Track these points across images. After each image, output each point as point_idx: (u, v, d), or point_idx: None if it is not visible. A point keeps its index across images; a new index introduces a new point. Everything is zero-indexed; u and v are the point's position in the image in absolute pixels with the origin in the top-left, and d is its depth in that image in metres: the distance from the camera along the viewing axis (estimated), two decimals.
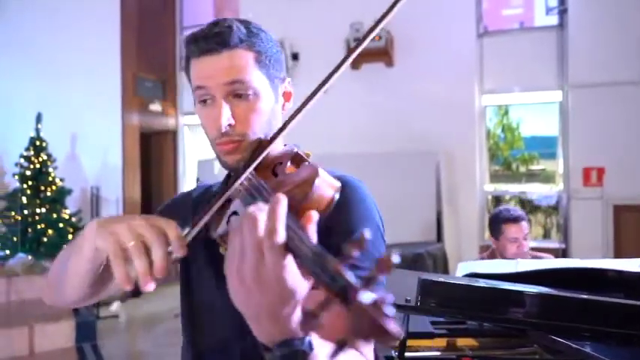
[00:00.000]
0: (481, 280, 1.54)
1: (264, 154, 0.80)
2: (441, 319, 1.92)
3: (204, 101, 0.87)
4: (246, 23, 0.88)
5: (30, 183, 5.49)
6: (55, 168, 5.70)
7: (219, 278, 0.85)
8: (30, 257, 5.42)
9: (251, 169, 0.78)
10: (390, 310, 0.44)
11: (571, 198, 5.34)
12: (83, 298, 0.87)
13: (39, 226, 5.40)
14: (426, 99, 5.69)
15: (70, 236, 5.55)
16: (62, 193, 5.66)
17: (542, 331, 1.49)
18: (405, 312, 1.43)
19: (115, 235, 0.67)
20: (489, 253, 2.77)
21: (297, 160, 0.84)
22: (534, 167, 7.16)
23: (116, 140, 6.67)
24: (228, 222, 0.77)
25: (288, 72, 6.23)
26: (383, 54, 5.79)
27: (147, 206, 7.30)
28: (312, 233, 0.58)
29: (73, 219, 5.70)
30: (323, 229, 0.62)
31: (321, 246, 0.54)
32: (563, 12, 5.42)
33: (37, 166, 5.55)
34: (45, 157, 5.62)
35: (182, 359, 1.08)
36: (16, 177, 5.56)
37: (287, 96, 0.96)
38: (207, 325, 1.00)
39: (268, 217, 0.57)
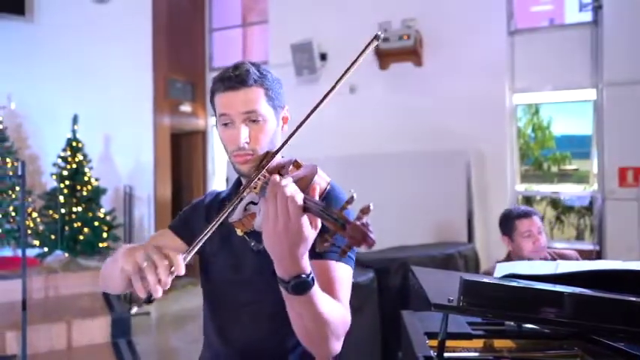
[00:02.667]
0: (522, 281, 1.53)
1: (273, 159, 1.12)
2: (479, 320, 1.92)
3: (226, 124, 1.19)
4: (257, 66, 1.20)
5: (67, 182, 5.64)
6: (90, 168, 5.85)
7: (234, 256, 1.24)
8: (67, 255, 5.58)
9: (264, 171, 1.07)
10: (371, 228, 0.76)
11: (606, 199, 5.22)
12: (119, 291, 1.24)
13: (75, 225, 5.54)
14: (456, 98, 5.64)
15: (104, 234, 5.69)
16: (97, 193, 5.80)
17: (581, 331, 1.48)
18: (448, 312, 1.44)
19: (134, 258, 0.95)
20: (506, 258, 2.66)
21: (297, 165, 1.13)
22: (566, 167, 7.02)
23: (148, 141, 6.81)
24: (245, 209, 1.08)
25: (317, 72, 6.28)
26: (411, 53, 5.76)
27: (177, 204, 7.43)
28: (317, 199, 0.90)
29: (108, 217, 5.83)
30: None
31: (323, 203, 0.87)
32: (597, 8, 5.30)
33: (74, 166, 5.70)
34: (81, 158, 5.76)
35: (204, 334, 1.36)
36: (54, 177, 5.72)
37: (285, 120, 1.28)
38: (224, 298, 1.27)
39: (290, 187, 0.88)
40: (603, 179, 5.26)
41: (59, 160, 5.75)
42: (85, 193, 5.70)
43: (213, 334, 1.29)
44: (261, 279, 1.17)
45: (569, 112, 6.62)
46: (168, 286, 0.93)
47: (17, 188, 5.29)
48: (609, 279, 1.63)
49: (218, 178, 7.75)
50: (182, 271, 0.93)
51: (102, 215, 5.75)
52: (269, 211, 0.88)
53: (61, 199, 5.56)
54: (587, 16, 5.45)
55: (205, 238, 0.99)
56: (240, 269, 1.23)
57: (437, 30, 5.75)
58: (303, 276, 0.90)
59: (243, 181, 1.27)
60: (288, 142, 1.11)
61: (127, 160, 6.67)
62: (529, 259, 2.47)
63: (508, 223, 2.57)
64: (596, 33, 5.29)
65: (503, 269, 1.73)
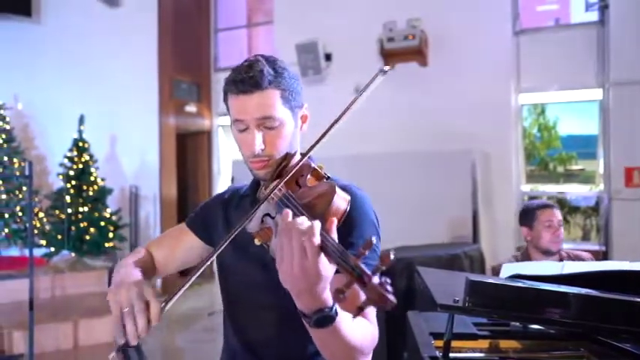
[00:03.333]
0: (527, 282, 1.53)
1: (290, 174, 1.04)
2: (484, 321, 1.92)
3: (242, 130, 1.13)
4: (272, 64, 1.13)
5: (73, 183, 5.67)
6: (96, 168, 5.87)
7: (253, 259, 1.19)
8: (73, 254, 5.61)
9: (281, 184, 1.02)
10: (390, 287, 0.70)
11: (612, 199, 5.20)
12: None
13: (82, 225, 5.57)
14: (461, 98, 5.63)
15: (110, 234, 5.71)
16: (103, 193, 5.83)
17: (587, 332, 1.47)
18: (454, 312, 1.44)
19: (118, 302, 0.97)
20: (522, 253, 2.71)
21: (316, 174, 1.08)
22: (572, 167, 6.99)
23: (153, 141, 6.84)
24: (262, 221, 1.02)
25: (322, 72, 6.28)
26: (417, 53, 5.75)
27: (182, 204, 7.46)
28: (334, 235, 0.83)
29: (114, 217, 5.86)
30: (339, 231, 0.87)
31: (341, 245, 0.80)
32: (603, 8, 5.28)
33: (80, 166, 5.73)
34: (87, 158, 5.79)
35: (224, 336, 1.34)
36: (60, 177, 5.75)
37: (304, 119, 1.22)
38: (243, 301, 1.24)
39: (308, 229, 0.80)
40: (609, 179, 5.24)
41: (66, 161, 5.78)
42: (91, 193, 5.73)
43: (233, 336, 1.27)
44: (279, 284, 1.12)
45: (575, 112, 6.60)
46: (145, 334, 0.95)
47: (24, 188, 5.33)
48: (615, 279, 1.62)
49: (223, 178, 7.77)
50: (158, 321, 0.95)
51: (108, 215, 5.77)
52: (284, 250, 0.82)
53: (68, 199, 5.58)
54: (594, 15, 5.44)
55: (207, 262, 0.98)
56: (261, 272, 1.18)
57: (442, 30, 5.74)
58: (326, 310, 0.84)
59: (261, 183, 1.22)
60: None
61: (133, 160, 6.69)
62: (547, 249, 2.52)
63: (529, 212, 2.61)
64: (603, 33, 5.27)
65: (508, 270, 1.72)
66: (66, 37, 6.40)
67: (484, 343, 1.76)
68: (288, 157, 1.13)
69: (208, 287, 6.78)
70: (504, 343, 1.76)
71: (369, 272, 0.72)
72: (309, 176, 1.07)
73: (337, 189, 0.97)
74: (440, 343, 1.65)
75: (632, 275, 1.64)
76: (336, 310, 0.85)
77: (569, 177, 6.92)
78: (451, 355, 1.56)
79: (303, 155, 1.07)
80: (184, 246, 1.34)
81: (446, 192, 5.25)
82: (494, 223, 5.54)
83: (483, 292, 1.34)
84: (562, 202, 6.75)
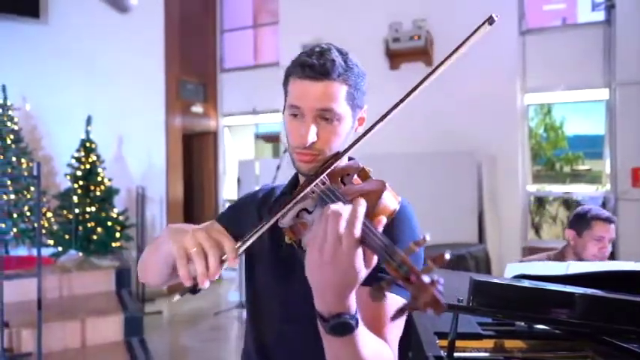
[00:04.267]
0: (532, 282, 1.53)
1: (334, 165, 0.99)
2: (489, 321, 1.92)
3: (296, 115, 1.04)
4: (345, 56, 1.05)
5: (81, 183, 5.70)
6: (103, 168, 5.91)
7: (280, 265, 1.09)
8: (81, 254, 5.64)
9: (324, 176, 0.97)
10: (441, 288, 0.61)
11: (619, 199, 5.18)
12: (160, 282, 1.09)
13: (89, 224, 5.60)
14: (467, 98, 5.63)
15: (117, 234, 5.75)
16: (110, 193, 5.86)
17: (592, 332, 1.48)
18: (458, 312, 1.44)
19: (182, 242, 0.85)
20: (558, 253, 2.59)
21: (363, 174, 1.02)
22: (579, 167, 6.97)
23: (160, 142, 6.87)
24: (297, 216, 0.93)
25: None
26: (422, 54, 5.76)
27: (188, 205, 7.49)
28: (381, 232, 0.73)
29: (121, 217, 5.89)
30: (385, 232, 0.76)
31: (388, 239, 0.70)
32: (610, 7, 5.26)
33: (88, 166, 5.76)
34: (94, 158, 5.82)
35: (245, 339, 1.22)
36: (68, 177, 5.78)
37: (361, 121, 1.14)
38: (267, 307, 1.13)
39: (350, 214, 0.72)
40: (616, 179, 5.22)
41: (73, 161, 5.82)
42: (98, 194, 5.76)
43: (254, 351, 1.15)
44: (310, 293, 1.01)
45: (582, 112, 6.57)
46: (217, 277, 0.84)
47: (32, 188, 5.36)
48: (621, 280, 1.62)
49: (229, 179, 7.79)
50: (235, 263, 0.83)
51: (115, 215, 5.80)
52: (318, 234, 0.73)
53: (75, 199, 5.62)
54: (600, 15, 5.42)
55: (258, 234, 0.89)
56: (288, 279, 1.08)
57: (447, 30, 5.73)
58: (346, 317, 0.75)
59: (301, 179, 1.14)
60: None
61: (140, 160, 6.73)
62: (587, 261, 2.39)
63: (584, 219, 2.46)
64: (609, 32, 5.25)
65: (513, 270, 1.73)
66: (73, 38, 6.44)
67: (489, 343, 1.76)
68: (338, 156, 1.03)
69: (214, 287, 6.81)
70: (509, 343, 1.77)
71: (418, 269, 0.64)
72: (355, 176, 1.01)
73: (388, 186, 0.90)
74: (444, 342, 1.65)
75: (637, 275, 1.63)
76: (357, 320, 0.77)
77: (576, 177, 6.90)
78: (455, 354, 1.57)
79: (345, 151, 1.03)
80: None
81: (451, 192, 5.25)
82: (499, 224, 5.53)
83: (488, 291, 1.35)
84: (568, 202, 6.73)
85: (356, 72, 1.05)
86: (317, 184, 0.94)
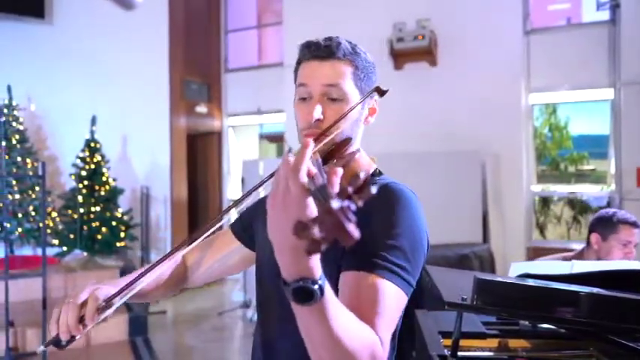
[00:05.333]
0: (536, 281, 1.53)
1: (327, 141, 0.98)
2: (493, 320, 1.92)
3: (304, 99, 1.06)
4: (352, 44, 1.07)
5: (85, 183, 5.72)
6: (108, 168, 5.93)
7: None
8: (85, 254, 5.67)
9: (316, 148, 0.94)
10: (352, 217, 0.56)
11: (623, 199, 5.16)
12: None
13: (94, 224, 5.62)
14: (471, 98, 5.62)
15: (122, 234, 5.77)
16: (115, 193, 5.88)
17: (597, 331, 1.47)
18: (461, 310, 1.44)
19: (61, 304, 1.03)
20: (576, 254, 2.53)
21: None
22: (584, 167, 6.94)
23: (164, 142, 6.89)
24: None
25: None
26: (426, 53, 5.75)
27: (192, 205, 7.50)
28: (335, 184, 0.66)
29: (125, 217, 5.91)
30: (366, 217, 0.75)
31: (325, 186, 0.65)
32: (615, 7, 5.24)
33: (92, 166, 5.78)
34: (99, 158, 5.85)
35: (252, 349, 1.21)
36: (73, 177, 5.81)
37: (372, 111, 1.15)
38: (264, 279, 1.15)
39: (296, 158, 0.71)
40: (621, 179, 5.20)
41: (78, 161, 5.84)
42: (103, 193, 5.78)
43: (259, 347, 1.15)
44: None
45: (587, 112, 6.55)
46: (75, 333, 0.99)
47: (37, 188, 5.39)
48: (626, 279, 1.62)
49: (234, 179, 7.80)
50: (92, 322, 0.98)
51: (119, 215, 5.83)
52: (273, 186, 0.73)
53: (80, 199, 5.64)
54: (605, 14, 5.40)
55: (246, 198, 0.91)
56: None
57: (452, 30, 5.73)
58: (308, 282, 0.70)
59: None
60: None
61: (144, 160, 6.75)
62: None
63: (610, 223, 2.39)
64: (614, 32, 5.23)
65: (518, 269, 1.72)
66: (78, 38, 6.48)
67: (493, 342, 1.75)
68: (346, 141, 1.04)
69: (217, 288, 6.82)
70: (513, 342, 1.76)
71: (332, 193, 0.60)
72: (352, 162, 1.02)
73: (361, 150, 0.91)
74: (448, 342, 1.65)
75: None
76: (321, 287, 0.71)
77: (581, 177, 6.87)
78: (460, 353, 1.56)
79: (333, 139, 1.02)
80: (223, 252, 1.27)
81: (456, 192, 5.24)
82: (504, 224, 5.52)
83: (491, 290, 1.35)
84: (573, 202, 6.70)
85: (363, 57, 1.07)
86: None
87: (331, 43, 1.04)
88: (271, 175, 0.91)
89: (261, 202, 1.24)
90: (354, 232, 0.56)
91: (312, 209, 0.67)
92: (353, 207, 0.57)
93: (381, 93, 1.07)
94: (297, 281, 0.71)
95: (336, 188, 0.63)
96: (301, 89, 1.05)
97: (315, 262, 0.71)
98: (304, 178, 0.69)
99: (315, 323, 0.74)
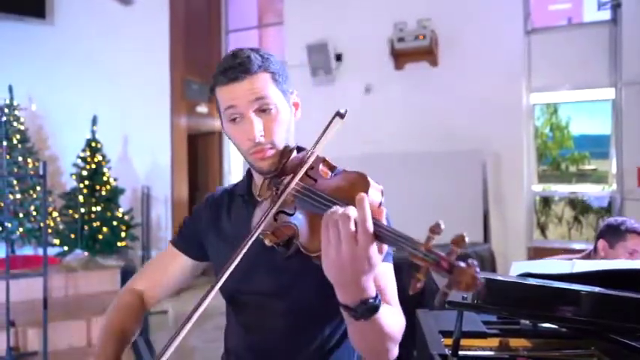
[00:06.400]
0: (537, 280, 1.52)
1: (305, 167, 0.97)
2: (494, 319, 1.92)
3: (234, 120, 1.05)
4: (257, 51, 1.08)
5: (86, 182, 5.72)
6: (109, 168, 5.93)
7: (259, 266, 1.10)
8: (86, 253, 5.66)
9: (298, 177, 0.96)
10: (477, 267, 0.65)
11: (625, 199, 5.15)
12: None
13: (94, 224, 5.62)
14: (472, 98, 5.61)
15: (123, 234, 5.77)
16: (116, 193, 5.88)
17: (598, 330, 1.47)
18: (462, 309, 1.44)
19: None
20: (582, 258, 2.52)
21: (327, 164, 1.02)
22: (585, 167, 6.93)
23: (165, 141, 6.89)
24: (275, 220, 0.94)
25: (332, 72, 6.29)
26: (427, 53, 5.75)
27: (193, 204, 7.45)
28: (384, 222, 0.78)
29: (126, 217, 5.90)
30: None
31: (399, 231, 0.75)
32: (616, 6, 5.23)
33: (93, 166, 5.78)
34: (100, 158, 5.84)
35: (227, 336, 1.29)
36: (74, 177, 5.81)
37: (296, 106, 1.15)
38: (251, 304, 1.16)
39: (359, 213, 0.76)
40: (622, 179, 5.20)
41: (79, 161, 5.84)
42: (103, 193, 5.78)
43: (239, 340, 1.23)
44: (295, 290, 1.08)
45: (588, 112, 6.54)
46: None
47: (38, 188, 5.39)
48: (627, 278, 1.61)
49: (234, 179, 7.80)
50: None
51: (120, 215, 5.82)
52: (330, 239, 0.77)
53: (81, 198, 5.64)
54: (606, 14, 5.39)
55: (244, 250, 0.91)
56: (267, 278, 1.12)
57: (452, 30, 5.73)
58: (370, 301, 0.81)
59: (256, 178, 1.16)
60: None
61: (145, 160, 6.75)
62: None
63: (618, 231, 2.42)
64: (615, 31, 5.23)
65: (519, 268, 1.72)
66: (79, 39, 6.48)
67: (494, 342, 1.75)
68: (287, 149, 1.06)
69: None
70: (514, 342, 1.76)
71: (445, 255, 0.69)
72: (321, 166, 1.01)
73: (369, 178, 0.91)
74: (449, 341, 1.65)
75: None
76: (380, 298, 0.82)
77: (582, 177, 6.86)
78: (460, 353, 1.56)
79: (298, 148, 1.06)
80: (173, 270, 1.28)
81: (457, 192, 5.24)
82: (504, 223, 5.51)
83: (492, 289, 1.35)
84: (574, 202, 6.70)
85: (273, 60, 1.08)
86: (285, 185, 0.96)
87: (241, 60, 1.04)
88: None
89: (200, 216, 1.28)
90: (483, 280, 0.66)
91: (377, 253, 0.77)
92: (476, 262, 0.67)
93: (342, 116, 1.04)
94: (362, 304, 0.80)
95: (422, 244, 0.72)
96: (230, 111, 1.05)
97: (372, 282, 0.80)
98: (371, 230, 0.75)
99: (374, 328, 0.84)
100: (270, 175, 1.06)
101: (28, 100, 6.02)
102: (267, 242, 0.96)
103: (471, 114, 5.59)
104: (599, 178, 6.40)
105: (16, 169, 5.34)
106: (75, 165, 5.84)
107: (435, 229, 0.70)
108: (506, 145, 5.53)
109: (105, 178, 5.82)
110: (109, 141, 6.16)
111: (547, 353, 1.69)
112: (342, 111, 1.02)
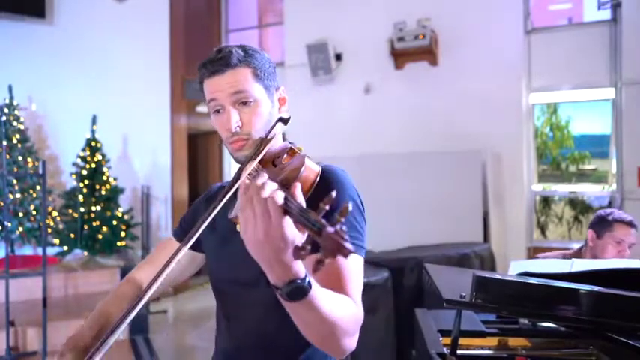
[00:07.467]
0: (535, 279, 1.52)
1: (262, 153, 1.02)
2: (493, 318, 1.92)
3: (217, 111, 1.13)
4: (243, 47, 1.15)
5: (86, 182, 5.72)
6: (109, 168, 5.93)
7: (234, 253, 1.13)
8: (86, 253, 5.67)
9: (255, 163, 1.01)
10: (346, 236, 0.67)
11: (625, 199, 5.15)
12: None
13: (94, 224, 5.62)
14: (472, 98, 5.61)
15: (122, 233, 5.77)
16: (116, 192, 5.88)
17: (597, 329, 1.47)
18: (460, 308, 1.44)
19: None
20: (575, 252, 2.60)
21: (292, 152, 1.07)
22: (585, 167, 6.94)
23: (165, 141, 6.89)
24: None
25: (332, 72, 6.29)
26: (427, 53, 5.74)
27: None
28: (300, 199, 0.80)
29: (126, 217, 5.90)
30: (311, 203, 0.82)
31: (303, 206, 0.77)
32: (616, 6, 5.23)
33: (93, 166, 5.78)
34: (100, 158, 5.84)
35: (217, 320, 1.30)
36: (73, 176, 5.81)
37: (282, 101, 1.20)
38: (230, 293, 1.21)
39: (269, 188, 0.78)
40: (622, 179, 5.19)
41: (78, 160, 5.84)
42: (103, 193, 5.78)
43: (225, 330, 1.25)
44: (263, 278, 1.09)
45: (588, 111, 6.54)
46: None
47: (38, 188, 5.39)
48: (625, 277, 1.61)
49: None
50: None
51: (120, 215, 5.82)
52: (247, 217, 0.79)
53: (81, 198, 5.64)
54: (606, 14, 5.39)
55: (201, 228, 0.93)
56: (244, 266, 1.11)
57: (452, 29, 5.72)
58: (298, 281, 0.80)
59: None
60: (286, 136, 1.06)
61: (145, 160, 6.75)
62: None
63: (605, 221, 2.49)
64: (615, 31, 5.23)
65: (517, 267, 1.72)
66: (79, 38, 6.48)
67: (492, 341, 1.75)
68: (263, 141, 1.07)
69: None
70: (513, 341, 1.76)
71: (325, 222, 0.69)
72: (285, 155, 1.06)
73: (307, 160, 0.97)
74: (448, 340, 1.65)
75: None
76: (309, 281, 0.81)
77: (582, 177, 6.86)
78: (459, 352, 1.56)
79: (270, 138, 1.06)
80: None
81: (456, 192, 5.23)
82: (504, 223, 5.51)
83: (490, 287, 1.35)
84: (574, 202, 6.70)
85: (257, 57, 1.15)
86: (252, 171, 1.00)
87: (223, 54, 1.11)
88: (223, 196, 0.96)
89: (198, 209, 1.35)
90: (351, 247, 0.66)
91: (294, 231, 0.77)
92: (345, 228, 0.68)
93: (285, 122, 1.10)
94: (289, 284, 0.80)
95: (320, 213, 0.72)
96: (212, 104, 1.13)
97: (300, 264, 0.80)
98: (280, 203, 0.76)
99: (310, 312, 0.84)
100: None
101: (28, 100, 6.02)
102: (238, 228, 0.95)
103: (471, 113, 5.58)
104: (599, 177, 6.40)
105: (15, 169, 5.35)
106: (75, 164, 5.84)
107: (326, 202, 0.73)
108: (506, 144, 5.53)
109: (105, 178, 5.82)
110: (109, 140, 6.16)
111: (546, 352, 1.69)
112: (286, 117, 1.09)
